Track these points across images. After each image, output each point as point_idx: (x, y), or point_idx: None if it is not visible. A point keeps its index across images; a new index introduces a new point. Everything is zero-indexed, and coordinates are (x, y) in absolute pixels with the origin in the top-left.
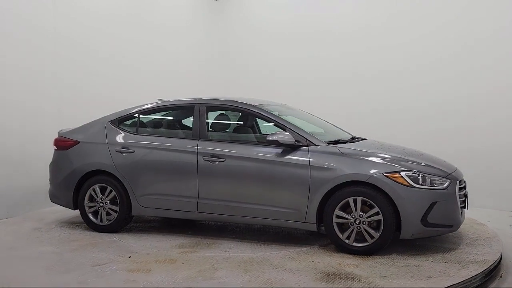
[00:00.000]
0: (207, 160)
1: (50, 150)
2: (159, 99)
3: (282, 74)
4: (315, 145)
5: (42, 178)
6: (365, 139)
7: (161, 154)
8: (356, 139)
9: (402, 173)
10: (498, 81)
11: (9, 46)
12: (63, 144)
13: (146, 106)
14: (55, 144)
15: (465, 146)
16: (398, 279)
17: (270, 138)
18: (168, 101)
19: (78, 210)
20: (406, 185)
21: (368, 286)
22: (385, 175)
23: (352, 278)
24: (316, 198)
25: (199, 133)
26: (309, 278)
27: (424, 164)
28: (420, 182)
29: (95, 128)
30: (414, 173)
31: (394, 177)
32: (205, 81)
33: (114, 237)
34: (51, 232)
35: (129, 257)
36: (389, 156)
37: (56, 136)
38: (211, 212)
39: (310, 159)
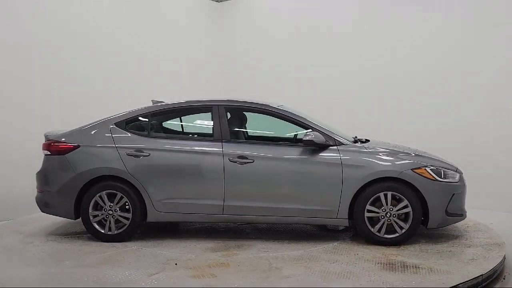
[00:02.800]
0: (234, 161)
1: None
2: (153, 101)
3: (283, 75)
4: (343, 144)
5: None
6: (368, 139)
7: (182, 156)
8: (359, 140)
9: (427, 168)
10: (501, 82)
11: (9, 48)
12: (59, 148)
13: (156, 107)
14: (47, 149)
15: (468, 147)
16: (449, 264)
17: (306, 138)
18: (182, 102)
19: (71, 219)
20: (432, 179)
21: (433, 273)
22: (413, 171)
23: (411, 265)
24: (348, 195)
25: (221, 134)
26: (374, 268)
27: (438, 160)
28: (442, 176)
29: (98, 130)
30: (437, 168)
31: (421, 172)
32: (205, 82)
33: (132, 246)
34: (51, 245)
35: (176, 264)
36: (409, 154)
37: (44, 139)
38: (238, 213)
39: (341, 158)
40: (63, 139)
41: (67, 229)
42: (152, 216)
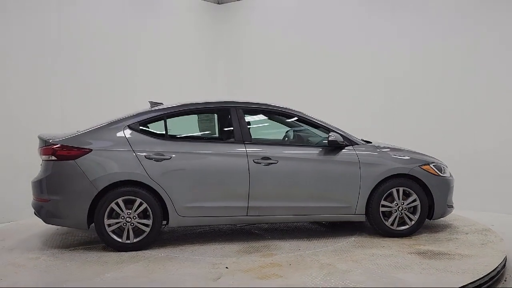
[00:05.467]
0: (258, 163)
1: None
2: (150, 102)
3: (283, 77)
4: (357, 144)
5: None
6: (369, 141)
7: (206, 159)
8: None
9: (431, 165)
10: (499, 81)
11: (12, 49)
12: (68, 153)
13: (171, 109)
14: (51, 154)
15: (469, 149)
16: (470, 249)
17: (331, 139)
18: (198, 103)
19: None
20: (435, 175)
21: (462, 258)
22: (420, 167)
23: (439, 253)
24: (365, 192)
25: (242, 136)
26: (413, 257)
27: (432, 157)
28: (442, 172)
29: (110, 133)
30: (437, 164)
31: (427, 169)
32: (205, 84)
33: (159, 254)
34: (64, 258)
35: (226, 267)
36: (413, 152)
37: (38, 142)
38: (262, 214)
39: (358, 157)
40: (70, 143)
41: (61, 241)
42: (174, 222)
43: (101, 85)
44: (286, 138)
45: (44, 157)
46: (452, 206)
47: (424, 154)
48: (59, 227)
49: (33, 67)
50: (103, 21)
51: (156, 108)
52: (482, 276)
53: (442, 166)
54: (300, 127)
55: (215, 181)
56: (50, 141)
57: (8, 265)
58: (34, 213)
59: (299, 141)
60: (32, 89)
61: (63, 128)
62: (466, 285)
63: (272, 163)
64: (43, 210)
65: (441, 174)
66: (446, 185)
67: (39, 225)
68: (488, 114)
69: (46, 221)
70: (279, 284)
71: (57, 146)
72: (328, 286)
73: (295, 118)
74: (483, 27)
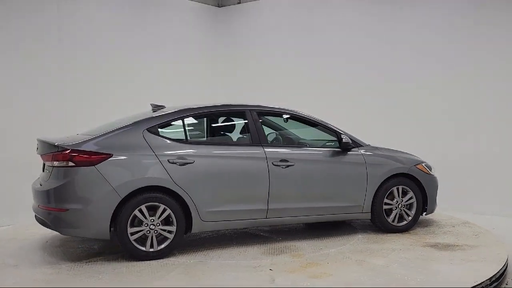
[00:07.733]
0: (277, 165)
1: None
2: (152, 104)
3: (283, 80)
4: (362, 146)
5: None
6: (368, 144)
7: (229, 162)
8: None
9: (423, 164)
10: (499, 82)
11: (14, 51)
12: (87, 159)
13: (188, 112)
14: (69, 159)
15: (470, 151)
16: (470, 240)
17: (344, 141)
18: (211, 106)
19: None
20: (427, 173)
21: (471, 249)
22: (416, 167)
23: (448, 245)
24: (371, 191)
25: (259, 139)
26: (430, 250)
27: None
28: (431, 170)
29: (129, 137)
30: (427, 164)
31: (421, 168)
32: (206, 86)
33: (187, 260)
34: (90, 270)
35: (270, 269)
36: (404, 152)
37: (54, 149)
38: (281, 216)
39: (365, 158)
40: (89, 148)
41: (65, 253)
42: (197, 227)
43: (101, 87)
44: (275, 141)
45: (56, 163)
46: (436, 203)
47: (413, 155)
48: (48, 239)
49: (33, 68)
50: (104, 23)
51: (173, 110)
52: (505, 262)
53: (430, 165)
54: (301, 129)
55: (237, 185)
56: (65, 145)
57: (33, 280)
58: (40, 222)
59: (309, 143)
60: (32, 90)
61: (62, 130)
62: (499, 270)
63: (290, 165)
64: (56, 220)
65: (431, 173)
66: (435, 182)
67: (20, 238)
68: (488, 115)
69: (62, 232)
70: (336, 283)
71: (74, 150)
72: (390, 286)
73: (309, 123)
74: (482, 28)
